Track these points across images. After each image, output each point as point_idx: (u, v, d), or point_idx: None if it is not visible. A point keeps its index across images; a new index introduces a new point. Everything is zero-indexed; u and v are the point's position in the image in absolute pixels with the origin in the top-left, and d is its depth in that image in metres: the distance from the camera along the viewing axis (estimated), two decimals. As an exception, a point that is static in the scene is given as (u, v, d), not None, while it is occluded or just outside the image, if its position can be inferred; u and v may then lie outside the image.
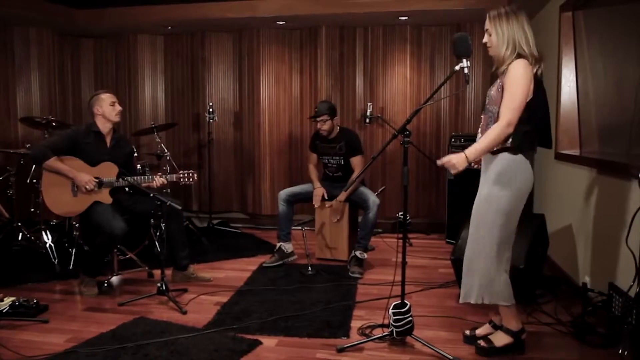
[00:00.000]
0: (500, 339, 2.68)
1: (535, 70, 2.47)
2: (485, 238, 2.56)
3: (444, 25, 5.58)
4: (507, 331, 2.67)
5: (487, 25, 2.54)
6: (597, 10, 3.64)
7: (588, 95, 3.76)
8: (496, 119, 2.49)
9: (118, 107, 3.76)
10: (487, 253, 2.56)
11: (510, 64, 2.45)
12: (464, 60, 2.53)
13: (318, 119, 4.34)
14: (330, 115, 4.35)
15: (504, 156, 2.51)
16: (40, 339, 2.92)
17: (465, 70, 2.53)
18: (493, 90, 2.55)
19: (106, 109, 3.71)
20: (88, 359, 2.65)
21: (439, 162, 2.56)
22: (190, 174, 3.82)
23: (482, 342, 2.71)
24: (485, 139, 2.47)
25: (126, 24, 5.66)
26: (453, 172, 2.51)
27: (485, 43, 2.58)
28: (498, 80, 2.54)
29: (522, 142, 2.47)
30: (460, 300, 2.69)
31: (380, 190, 5.30)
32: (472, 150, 2.48)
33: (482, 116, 2.66)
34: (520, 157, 2.50)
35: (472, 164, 2.54)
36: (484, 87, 5.50)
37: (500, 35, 2.48)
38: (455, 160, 2.47)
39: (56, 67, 5.83)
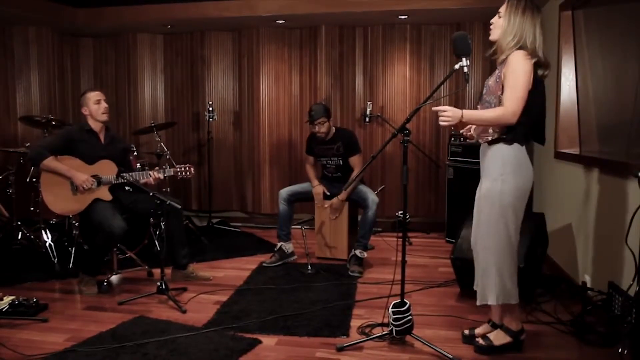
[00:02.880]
0: (500, 338, 2.68)
1: (542, 73, 2.47)
2: (493, 236, 2.53)
3: (444, 24, 5.58)
4: (507, 331, 2.67)
5: (502, 8, 2.53)
6: (597, 9, 3.64)
7: (587, 94, 3.76)
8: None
9: (104, 105, 3.74)
10: (498, 251, 2.53)
11: (509, 54, 2.44)
12: (464, 59, 2.53)
13: (316, 122, 4.29)
14: (327, 117, 4.33)
15: (501, 148, 2.50)
16: (39, 338, 2.92)
17: (465, 69, 2.53)
18: (491, 81, 2.55)
19: (92, 108, 3.72)
20: (87, 358, 2.65)
21: (434, 108, 2.58)
22: (188, 168, 3.82)
23: (480, 341, 2.71)
24: (486, 112, 2.49)
25: (126, 23, 5.65)
26: (444, 123, 2.51)
27: (490, 24, 2.56)
28: (497, 71, 2.54)
29: (516, 133, 2.47)
30: (478, 303, 2.67)
31: (379, 189, 5.30)
32: (470, 112, 2.50)
33: (478, 106, 2.66)
34: (517, 149, 2.49)
35: (465, 135, 2.65)
36: (483, 86, 5.49)
37: (510, 24, 2.46)
38: (452, 112, 2.49)
39: (56, 66, 5.82)
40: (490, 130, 2.53)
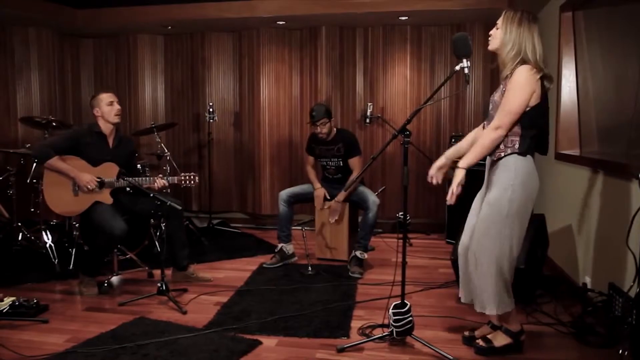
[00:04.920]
0: (500, 340, 2.68)
1: (548, 86, 2.46)
2: (496, 243, 2.52)
3: (444, 25, 5.58)
4: (507, 332, 2.68)
5: (499, 20, 2.53)
6: (597, 10, 3.64)
7: (588, 95, 3.76)
8: None
9: (116, 107, 3.73)
10: (499, 258, 2.52)
11: (514, 69, 2.43)
12: (464, 61, 2.53)
13: (318, 123, 4.28)
14: (329, 118, 4.32)
15: (513, 159, 2.49)
16: (40, 339, 2.92)
17: (466, 71, 2.54)
18: (496, 96, 2.54)
19: (104, 109, 3.69)
20: (88, 359, 2.65)
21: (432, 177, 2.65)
22: (192, 177, 3.81)
23: (481, 342, 2.71)
24: (477, 148, 2.51)
25: (126, 24, 5.66)
26: (456, 190, 2.52)
27: (489, 35, 2.57)
28: (501, 86, 2.52)
29: (529, 146, 2.48)
30: (478, 310, 2.65)
31: (380, 190, 5.30)
32: (467, 159, 2.51)
33: (485, 122, 2.64)
34: (528, 160, 2.50)
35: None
36: (484, 87, 5.51)
37: (507, 35, 2.47)
38: (457, 180, 2.51)
39: (56, 67, 5.82)
40: (502, 147, 2.50)
